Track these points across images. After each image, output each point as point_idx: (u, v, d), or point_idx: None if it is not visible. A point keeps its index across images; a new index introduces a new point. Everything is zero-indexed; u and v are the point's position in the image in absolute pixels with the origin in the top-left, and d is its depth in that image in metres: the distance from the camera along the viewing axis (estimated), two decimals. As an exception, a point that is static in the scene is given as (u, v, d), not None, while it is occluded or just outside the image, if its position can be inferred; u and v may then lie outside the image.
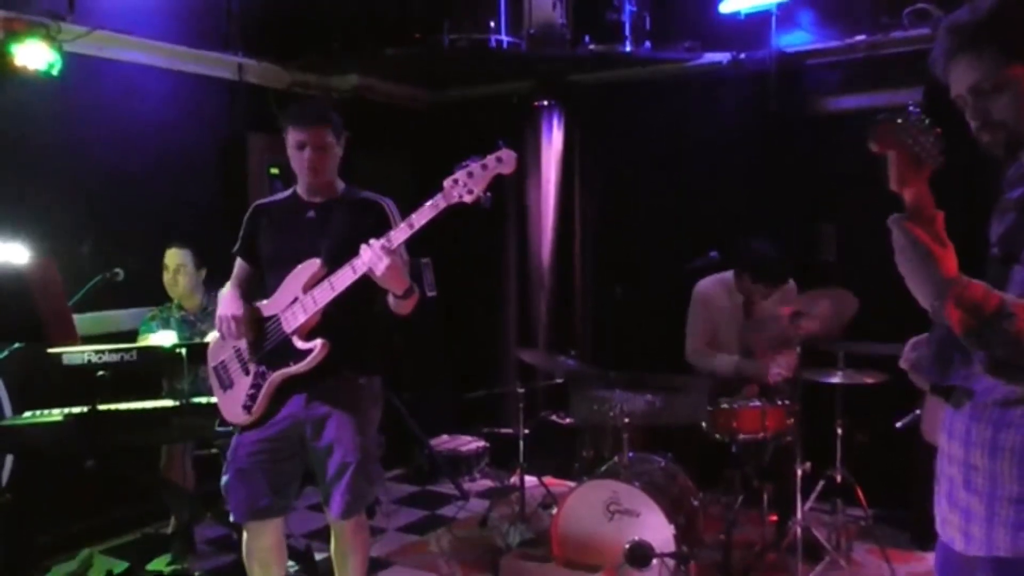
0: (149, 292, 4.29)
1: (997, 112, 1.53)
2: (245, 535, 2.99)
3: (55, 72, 4.12)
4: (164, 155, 4.85)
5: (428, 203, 2.63)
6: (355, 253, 2.70)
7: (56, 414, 3.30)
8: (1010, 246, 1.53)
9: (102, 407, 3.28)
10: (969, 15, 1.54)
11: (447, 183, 2.60)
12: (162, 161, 4.83)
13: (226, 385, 2.97)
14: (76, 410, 3.29)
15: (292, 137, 2.90)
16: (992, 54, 1.51)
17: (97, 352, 3.29)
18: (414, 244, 2.78)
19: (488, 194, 2.60)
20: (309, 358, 2.78)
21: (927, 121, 1.49)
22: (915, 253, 1.46)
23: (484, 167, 2.58)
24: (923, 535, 4.10)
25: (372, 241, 2.65)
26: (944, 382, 1.57)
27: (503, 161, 2.58)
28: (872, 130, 1.49)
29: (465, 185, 2.57)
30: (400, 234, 2.66)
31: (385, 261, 2.62)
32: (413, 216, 2.65)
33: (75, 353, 3.27)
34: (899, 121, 1.48)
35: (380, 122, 5.81)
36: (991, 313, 1.38)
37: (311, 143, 2.87)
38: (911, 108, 1.49)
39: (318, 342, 2.78)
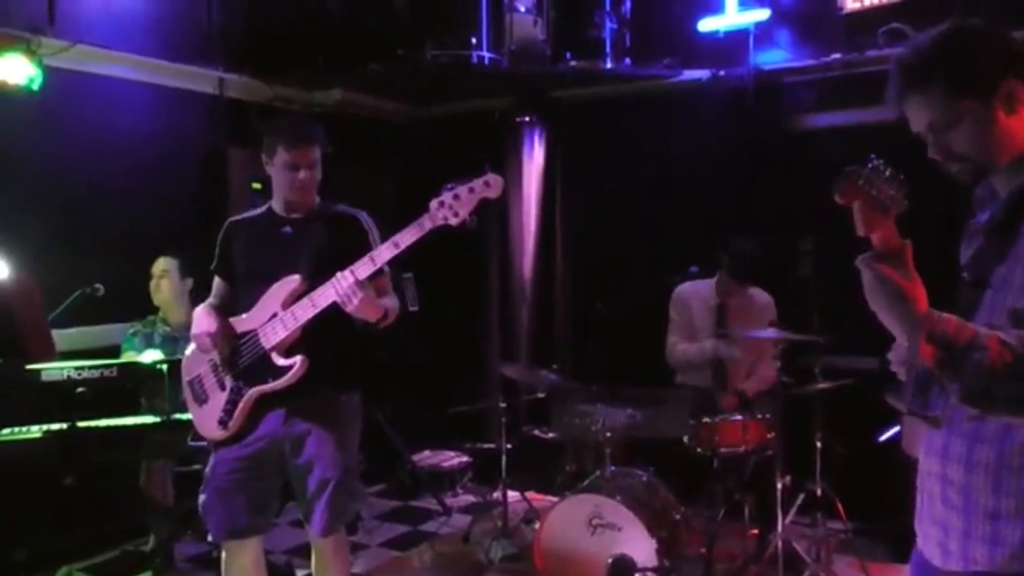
0: (130, 307, 4.27)
1: (957, 145, 1.55)
2: (224, 554, 2.97)
3: (35, 86, 4.11)
4: (145, 170, 4.83)
5: (414, 224, 2.63)
6: (334, 267, 2.71)
7: (34, 431, 3.26)
8: (979, 270, 1.55)
9: (81, 424, 3.25)
10: (914, 53, 1.55)
11: (433, 204, 2.61)
12: (143, 176, 4.81)
13: (201, 400, 2.95)
14: (55, 427, 3.25)
15: (283, 158, 2.88)
16: (941, 91, 1.52)
17: (76, 368, 3.26)
18: (396, 258, 2.78)
19: (474, 217, 2.61)
20: (288, 375, 2.78)
21: (889, 171, 1.51)
22: (886, 292, 1.47)
23: (471, 190, 2.59)
24: (901, 548, 4.08)
25: (342, 275, 2.65)
26: (925, 412, 1.58)
27: (490, 185, 2.60)
28: (836, 185, 1.52)
29: (451, 207, 2.59)
30: (385, 254, 2.67)
31: (358, 297, 2.63)
32: (398, 236, 2.66)
33: (54, 369, 3.24)
34: (860, 178, 1.50)
35: (362, 137, 5.83)
36: (963, 346, 1.40)
37: (304, 163, 2.88)
38: (873, 160, 1.52)
39: (297, 359, 2.78)
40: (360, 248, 2.78)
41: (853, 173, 1.51)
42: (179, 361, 3.18)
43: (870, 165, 1.51)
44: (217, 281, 3.10)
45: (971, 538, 1.51)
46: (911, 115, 1.59)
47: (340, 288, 2.65)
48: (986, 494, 1.49)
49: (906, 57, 1.56)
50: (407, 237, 2.65)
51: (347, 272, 2.66)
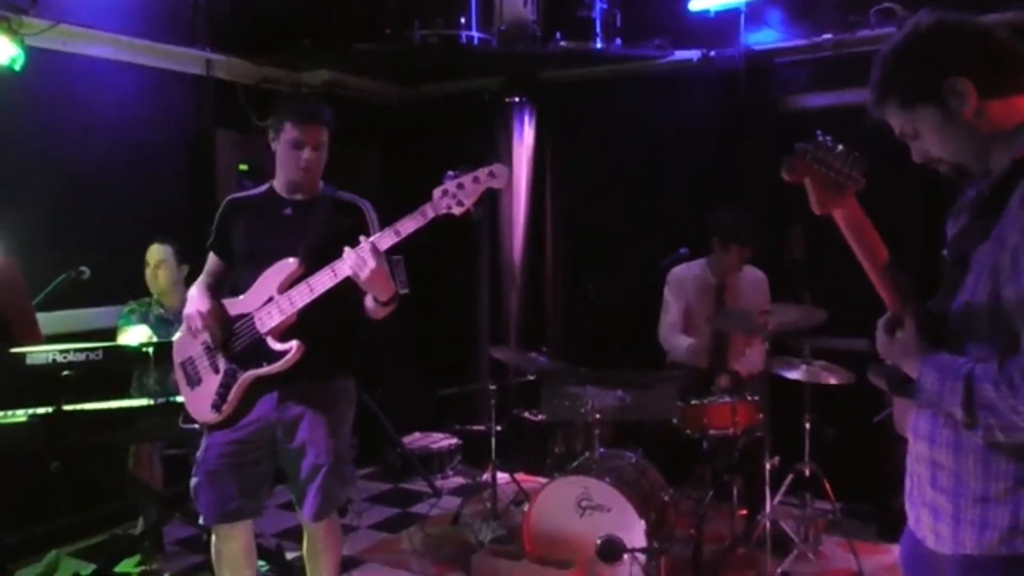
0: (116, 290, 4.23)
1: (931, 150, 1.59)
2: (215, 537, 2.96)
3: (17, 67, 4.03)
4: (130, 152, 4.78)
5: (416, 212, 2.57)
6: (332, 254, 2.67)
7: (20, 415, 3.24)
8: (961, 248, 1.56)
9: (67, 407, 3.23)
10: (874, 69, 1.60)
11: (436, 193, 2.54)
12: (128, 158, 4.77)
13: (194, 382, 2.92)
14: (40, 411, 3.23)
15: (290, 134, 2.83)
16: (896, 103, 1.57)
17: (62, 352, 3.23)
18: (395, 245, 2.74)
19: (478, 207, 2.56)
20: (284, 359, 2.75)
21: (841, 147, 1.56)
22: (894, 351, 1.59)
23: (476, 180, 2.52)
24: (889, 528, 4.16)
25: (362, 241, 2.61)
26: (902, 394, 1.61)
27: (495, 176, 2.53)
28: (783, 162, 1.57)
29: (455, 197, 2.52)
30: (386, 241, 2.61)
31: (371, 264, 2.57)
32: (400, 224, 2.59)
33: (39, 353, 3.21)
34: (807, 155, 1.55)
35: (350, 118, 5.73)
36: (950, 387, 1.48)
37: (310, 142, 2.83)
38: (820, 137, 1.56)
39: (293, 344, 2.74)
40: (358, 238, 2.74)
41: (801, 150, 1.55)
42: (168, 344, 3.16)
43: (817, 141, 1.55)
44: (211, 258, 3.06)
45: (960, 522, 1.52)
46: (892, 124, 1.64)
47: (355, 255, 2.60)
48: (976, 478, 1.50)
49: (871, 75, 1.60)
50: (409, 225, 2.58)
51: (368, 242, 2.61)
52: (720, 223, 4.33)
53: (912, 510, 1.66)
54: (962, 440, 1.51)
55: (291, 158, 2.86)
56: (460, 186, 2.53)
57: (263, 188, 3.03)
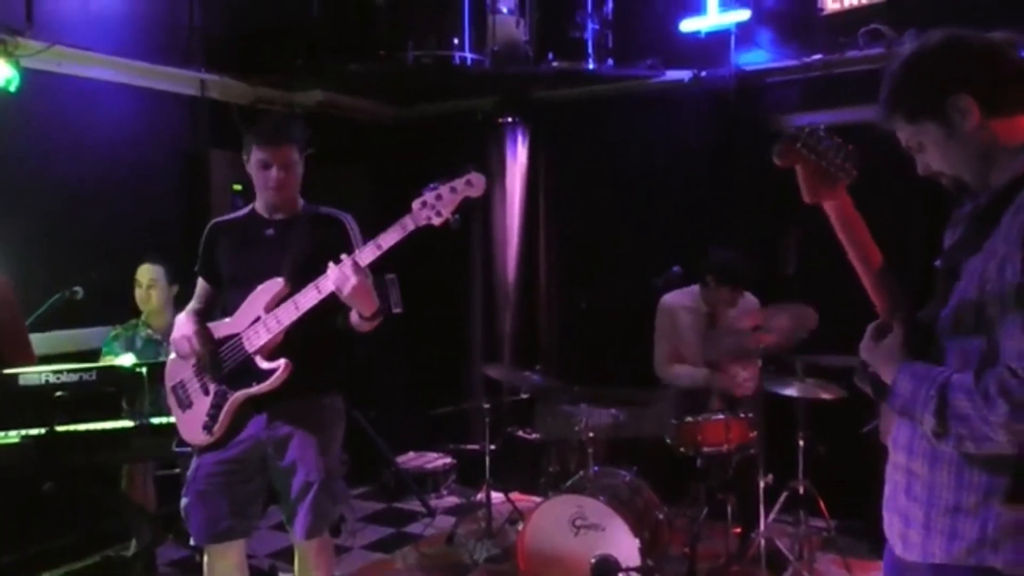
0: (110, 310, 4.24)
1: (933, 163, 1.61)
2: (207, 557, 2.95)
3: (12, 88, 4.06)
4: (125, 172, 4.79)
5: (396, 225, 2.60)
6: (317, 270, 2.69)
7: (12, 436, 3.23)
8: (954, 260, 1.59)
9: (60, 428, 3.22)
10: (882, 86, 1.63)
11: (415, 204, 2.58)
12: (123, 178, 4.78)
13: (185, 405, 2.93)
14: (33, 432, 3.22)
15: (256, 155, 2.87)
16: (902, 119, 1.60)
17: (55, 372, 3.23)
18: (379, 259, 2.77)
19: (456, 216, 2.59)
20: (272, 378, 2.76)
21: (833, 138, 1.58)
22: (875, 356, 1.62)
23: (453, 190, 2.55)
24: (882, 545, 4.15)
25: (343, 258, 2.63)
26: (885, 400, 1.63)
27: (472, 184, 2.56)
28: (775, 147, 1.60)
29: (434, 207, 2.55)
30: (368, 254, 2.64)
31: (353, 280, 2.60)
32: (381, 237, 2.63)
33: (32, 374, 3.21)
34: (798, 141, 1.57)
35: (344, 138, 5.81)
36: (922, 399, 1.51)
37: (277, 162, 2.85)
38: (812, 126, 1.58)
39: (281, 362, 2.76)
40: (343, 251, 2.76)
41: (792, 135, 1.58)
42: (160, 364, 3.16)
43: (809, 129, 1.58)
44: (200, 283, 3.08)
45: (931, 531, 1.55)
46: (900, 137, 1.66)
47: (337, 271, 2.61)
48: (948, 489, 1.53)
49: (881, 90, 1.63)
50: (390, 238, 2.62)
51: (349, 258, 2.63)
52: (717, 264, 4.30)
53: (887, 515, 1.69)
54: (937, 451, 1.54)
55: (260, 179, 2.89)
56: (438, 196, 2.56)
57: (245, 210, 3.06)
